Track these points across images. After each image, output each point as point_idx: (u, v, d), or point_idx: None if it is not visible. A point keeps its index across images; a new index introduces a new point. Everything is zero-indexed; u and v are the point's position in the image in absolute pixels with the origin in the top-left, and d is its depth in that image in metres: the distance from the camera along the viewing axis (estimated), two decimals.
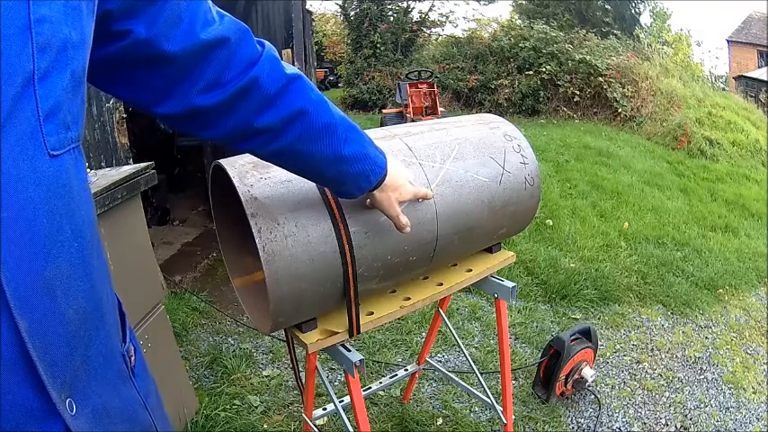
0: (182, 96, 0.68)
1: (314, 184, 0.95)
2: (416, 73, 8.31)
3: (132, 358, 0.71)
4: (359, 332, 1.09)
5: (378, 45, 11.83)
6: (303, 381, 1.46)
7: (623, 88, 9.26)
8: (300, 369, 2.21)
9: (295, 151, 0.78)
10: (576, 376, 2.12)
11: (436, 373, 2.23)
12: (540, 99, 9.99)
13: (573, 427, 2.07)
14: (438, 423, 2.03)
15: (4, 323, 0.47)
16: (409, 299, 1.21)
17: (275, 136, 0.76)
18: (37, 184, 0.49)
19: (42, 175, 0.50)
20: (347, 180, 0.86)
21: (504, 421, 1.63)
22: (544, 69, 9.84)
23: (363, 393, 1.74)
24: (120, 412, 0.64)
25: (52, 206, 0.51)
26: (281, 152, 0.78)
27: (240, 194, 0.89)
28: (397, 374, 1.93)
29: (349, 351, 1.13)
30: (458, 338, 1.77)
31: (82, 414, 0.56)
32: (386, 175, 0.89)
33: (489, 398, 1.68)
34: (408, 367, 1.98)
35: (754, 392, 2.33)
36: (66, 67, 0.53)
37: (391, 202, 0.93)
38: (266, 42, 0.75)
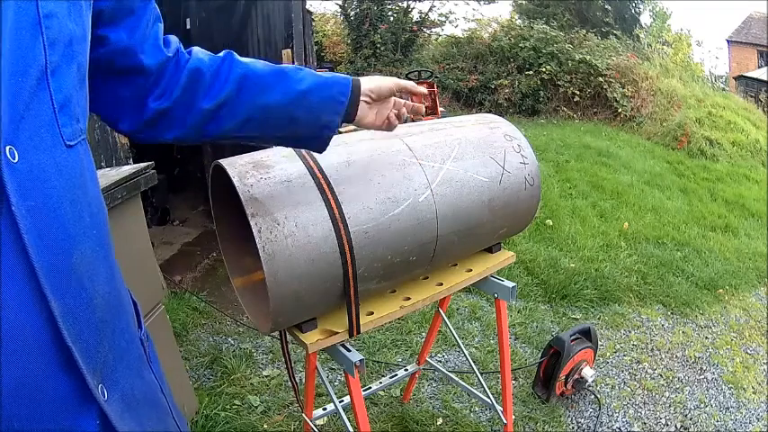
0: (142, 107, 0.72)
1: (314, 183, 0.95)
2: (416, 73, 8.28)
3: (146, 344, 0.73)
4: (359, 332, 1.09)
5: (378, 45, 11.82)
6: (298, 380, 1.46)
7: (623, 88, 9.25)
8: (300, 369, 2.21)
9: (259, 109, 0.79)
10: (575, 376, 2.12)
11: (436, 373, 2.23)
12: (540, 99, 9.98)
13: (573, 427, 2.07)
14: (438, 423, 2.03)
15: (40, 312, 0.48)
16: (409, 299, 1.21)
17: (233, 104, 0.77)
18: (58, 173, 0.51)
19: (62, 164, 0.51)
20: (320, 110, 0.83)
21: (504, 421, 1.63)
22: (544, 69, 9.83)
23: (363, 393, 1.74)
24: (143, 396, 0.66)
25: (73, 195, 0.53)
26: (248, 117, 0.79)
27: (240, 194, 0.89)
28: (397, 374, 1.93)
29: (349, 351, 1.13)
30: (458, 338, 1.77)
31: (113, 399, 0.57)
32: (359, 86, 0.87)
33: (489, 398, 1.68)
34: (408, 367, 1.98)
35: (754, 392, 2.33)
36: (73, 61, 0.54)
37: (381, 89, 0.90)
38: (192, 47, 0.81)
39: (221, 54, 0.79)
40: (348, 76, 0.87)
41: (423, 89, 0.97)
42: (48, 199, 0.49)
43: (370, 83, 0.88)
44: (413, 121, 0.99)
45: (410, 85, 0.94)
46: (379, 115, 0.93)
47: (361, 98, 0.87)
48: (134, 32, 0.67)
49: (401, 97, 0.97)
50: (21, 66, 0.47)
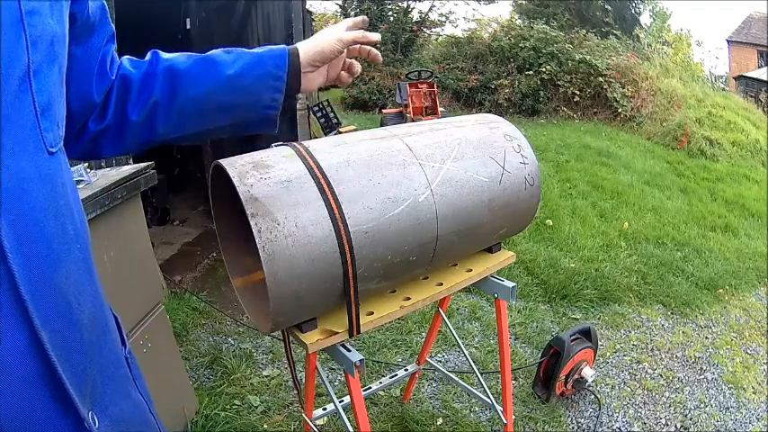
0: (83, 132, 0.71)
1: (314, 183, 0.95)
2: (416, 73, 8.30)
3: (131, 362, 0.70)
4: (359, 332, 1.09)
5: (378, 45, 11.82)
6: (301, 380, 1.46)
7: (623, 88, 9.26)
8: (300, 369, 2.21)
9: (191, 102, 0.75)
10: (575, 376, 2.12)
11: (436, 373, 2.23)
12: (540, 99, 9.99)
13: (573, 427, 2.07)
14: (438, 423, 2.03)
15: (27, 336, 0.44)
16: (409, 299, 1.21)
17: (163, 104, 0.74)
18: (41, 182, 0.47)
19: (44, 172, 0.48)
20: (257, 91, 0.77)
21: (504, 421, 1.63)
22: (544, 69, 9.84)
23: (363, 393, 1.74)
24: (132, 416, 0.63)
25: (56, 206, 0.49)
26: (181, 114, 0.75)
27: (240, 194, 0.89)
28: (397, 374, 1.93)
29: (349, 351, 1.13)
30: (458, 338, 1.77)
31: (103, 425, 0.54)
32: (297, 54, 0.80)
33: (489, 398, 1.68)
34: (408, 367, 1.98)
35: (754, 392, 2.33)
36: (55, 62, 0.51)
37: (330, 47, 0.81)
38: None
39: (147, 56, 0.76)
40: (284, 46, 0.80)
41: (376, 36, 0.87)
42: (31, 211, 0.45)
43: (312, 49, 0.80)
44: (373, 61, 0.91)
45: (358, 35, 0.84)
46: (331, 73, 0.86)
47: (304, 70, 0.81)
48: (91, 49, 0.65)
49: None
50: (5, 64, 0.43)
